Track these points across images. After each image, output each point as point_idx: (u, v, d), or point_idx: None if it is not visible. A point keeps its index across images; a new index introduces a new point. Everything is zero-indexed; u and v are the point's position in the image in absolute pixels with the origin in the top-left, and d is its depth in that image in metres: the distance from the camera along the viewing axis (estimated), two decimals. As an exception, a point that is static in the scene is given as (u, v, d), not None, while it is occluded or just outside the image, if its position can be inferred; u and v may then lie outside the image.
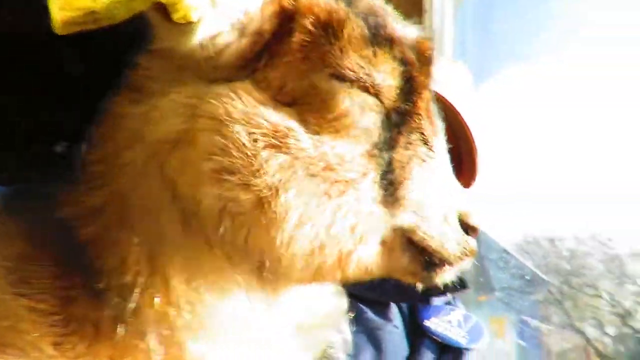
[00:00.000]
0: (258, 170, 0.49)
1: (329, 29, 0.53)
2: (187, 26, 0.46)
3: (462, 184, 0.74)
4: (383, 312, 0.83)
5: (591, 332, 3.22)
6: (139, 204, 0.49)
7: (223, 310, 0.50)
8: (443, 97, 0.84)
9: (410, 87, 0.57)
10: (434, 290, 0.83)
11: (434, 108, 0.60)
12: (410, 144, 0.57)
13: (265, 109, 0.51)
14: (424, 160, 0.57)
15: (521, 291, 3.30)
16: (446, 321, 0.86)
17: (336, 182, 0.51)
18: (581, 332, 3.19)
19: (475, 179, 0.91)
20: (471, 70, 1.13)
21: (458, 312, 0.87)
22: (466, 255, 0.57)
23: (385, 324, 0.81)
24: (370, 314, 0.82)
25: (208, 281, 0.49)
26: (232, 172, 0.48)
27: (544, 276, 3.38)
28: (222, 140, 0.49)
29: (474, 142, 0.87)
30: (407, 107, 0.57)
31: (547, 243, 3.52)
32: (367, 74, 0.53)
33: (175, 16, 0.44)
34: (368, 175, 0.52)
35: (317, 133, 0.51)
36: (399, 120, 0.56)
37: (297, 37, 0.52)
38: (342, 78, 0.52)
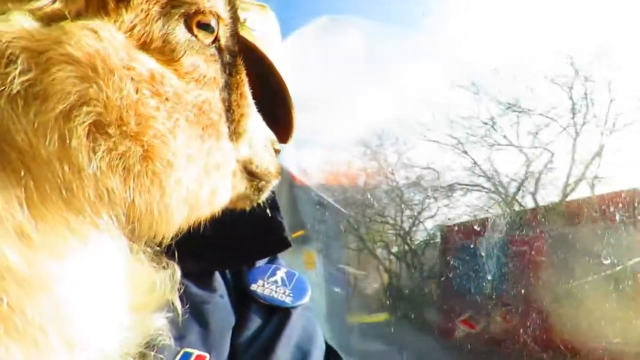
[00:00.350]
0: (146, 120, 0.48)
1: None
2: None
3: (279, 137, 0.86)
4: (207, 283, 0.83)
5: (380, 252, 3.76)
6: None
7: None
8: (257, 48, 0.93)
9: (234, 28, 0.62)
10: (258, 253, 0.91)
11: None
12: (239, 84, 0.63)
13: (135, 53, 0.48)
14: (247, 98, 0.64)
15: (324, 222, 3.64)
16: (272, 282, 0.90)
17: (206, 125, 0.55)
18: (374, 254, 3.70)
19: (292, 133, 1.00)
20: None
21: (282, 271, 0.90)
22: (279, 173, 0.70)
23: (210, 295, 0.80)
24: (194, 287, 0.80)
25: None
26: (117, 125, 0.45)
27: (343, 209, 3.75)
28: (99, 92, 0.44)
29: (289, 95, 0.96)
30: (234, 48, 0.62)
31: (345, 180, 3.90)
32: (213, 1, 0.55)
33: None
34: (222, 117, 0.58)
35: (182, 80, 0.53)
36: (230, 61, 0.62)
37: None
38: (189, 18, 0.53)
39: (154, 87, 0.49)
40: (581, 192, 2.90)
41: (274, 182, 0.71)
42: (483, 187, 3.30)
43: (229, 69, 0.61)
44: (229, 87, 0.61)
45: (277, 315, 0.81)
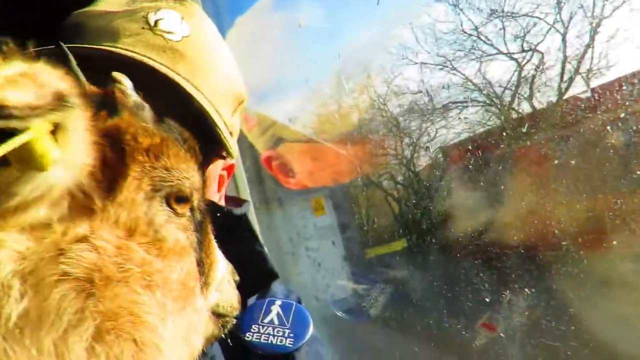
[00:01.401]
0: (140, 317, 0.48)
1: (151, 153, 0.55)
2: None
3: (219, 153, 0.82)
4: None
5: (386, 184, 3.78)
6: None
7: None
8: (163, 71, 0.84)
9: (203, 184, 0.64)
10: (246, 292, 0.80)
11: None
12: (207, 235, 0.64)
13: (129, 245, 0.51)
14: (213, 243, 0.66)
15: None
16: (267, 323, 0.80)
17: (187, 296, 0.55)
18: (380, 187, 3.73)
19: (228, 150, 0.93)
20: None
21: (276, 304, 0.83)
22: (239, 306, 0.67)
23: None
24: None
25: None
26: (110, 332, 0.47)
27: (342, 151, 3.72)
28: (98, 304, 0.47)
29: (209, 114, 0.87)
30: (204, 205, 0.64)
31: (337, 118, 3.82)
32: (191, 176, 0.57)
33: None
34: (197, 279, 0.58)
35: (164, 258, 0.54)
36: (201, 219, 0.60)
37: (132, 171, 0.53)
38: (170, 197, 0.54)
39: (145, 280, 0.48)
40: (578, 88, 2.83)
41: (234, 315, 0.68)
42: (477, 101, 3.23)
43: (199, 226, 0.61)
44: (201, 243, 0.60)
45: None
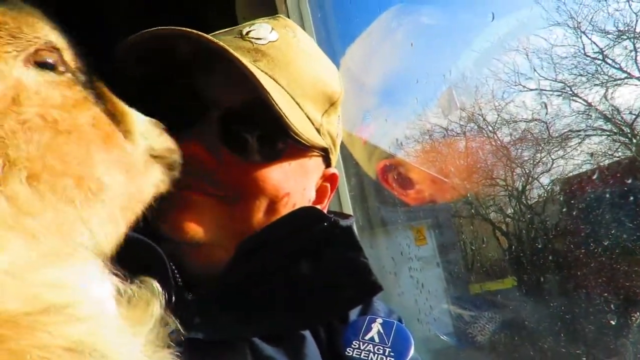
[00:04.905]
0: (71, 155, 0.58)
1: None
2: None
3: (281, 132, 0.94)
4: (295, 351, 0.73)
5: (494, 216, 3.57)
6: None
7: None
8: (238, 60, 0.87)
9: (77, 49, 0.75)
10: (348, 303, 0.81)
11: None
12: (104, 93, 0.74)
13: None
14: (117, 101, 0.76)
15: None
16: (368, 340, 0.78)
17: (110, 139, 0.66)
18: (487, 219, 3.52)
19: (292, 129, 0.94)
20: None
21: (377, 322, 0.81)
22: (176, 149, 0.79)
23: None
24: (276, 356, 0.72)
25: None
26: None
27: (445, 179, 3.61)
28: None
29: (272, 100, 0.91)
30: (83, 67, 0.71)
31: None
32: (37, 37, 0.64)
33: None
34: (111, 124, 0.70)
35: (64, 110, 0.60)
36: (86, 78, 0.70)
37: None
38: None
39: (55, 127, 0.56)
40: None
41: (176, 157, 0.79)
42: (602, 130, 2.94)
43: (90, 83, 0.68)
44: (100, 97, 0.68)
45: None
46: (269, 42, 0.93)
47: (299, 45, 1.00)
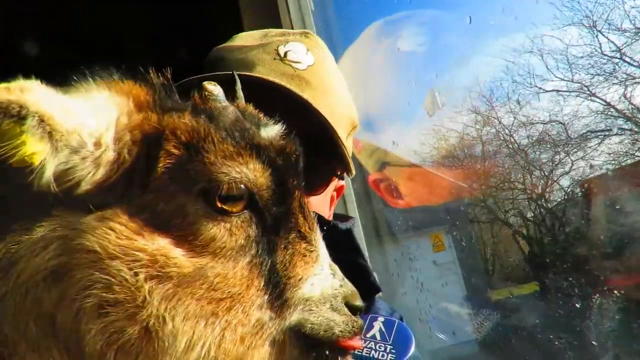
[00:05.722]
0: (143, 302, 0.51)
1: (191, 148, 0.56)
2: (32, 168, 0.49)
3: (339, 171, 0.80)
4: None
5: (514, 220, 3.51)
6: (23, 343, 0.50)
7: None
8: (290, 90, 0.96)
9: (283, 190, 0.61)
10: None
11: (305, 202, 0.64)
12: (290, 243, 0.61)
13: (141, 239, 0.52)
14: (304, 256, 0.61)
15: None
16: (369, 338, 0.81)
17: (221, 300, 0.53)
18: (507, 224, 3.47)
19: (349, 166, 0.93)
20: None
21: (379, 321, 0.84)
22: (354, 333, 0.62)
23: None
24: None
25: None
26: (115, 305, 0.50)
27: (463, 184, 3.58)
28: (102, 276, 0.50)
29: (332, 129, 0.90)
30: (282, 209, 0.61)
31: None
32: (238, 172, 0.56)
33: (14, 162, 0.47)
34: (252, 286, 0.55)
35: (195, 255, 0.54)
36: (274, 223, 0.60)
37: (162, 162, 0.55)
38: (210, 192, 0.55)
39: (153, 269, 0.51)
40: None
41: (349, 343, 0.61)
42: (623, 129, 2.89)
43: (275, 229, 0.59)
44: (272, 248, 0.58)
45: None
46: (308, 66, 0.98)
47: (331, 68, 1.06)
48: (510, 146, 3.48)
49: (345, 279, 0.65)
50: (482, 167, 3.44)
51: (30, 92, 0.49)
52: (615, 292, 2.42)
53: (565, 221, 3.13)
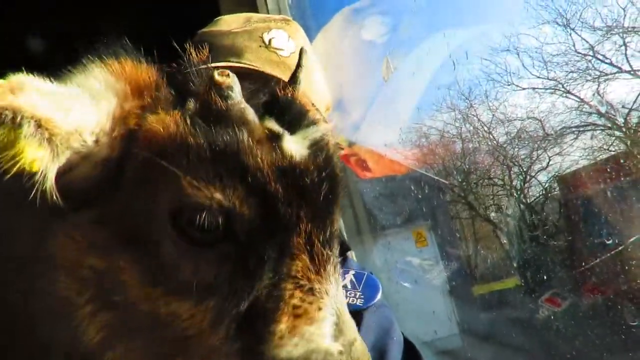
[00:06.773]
0: (80, 323, 0.46)
1: (166, 157, 0.47)
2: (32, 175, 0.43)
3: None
4: None
5: (494, 216, 3.57)
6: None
7: None
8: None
9: (277, 224, 0.49)
10: None
11: (322, 238, 0.52)
12: (279, 290, 0.49)
13: (95, 254, 0.47)
14: (296, 308, 0.50)
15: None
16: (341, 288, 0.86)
17: (173, 342, 0.46)
18: (488, 219, 3.52)
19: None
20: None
21: (350, 274, 0.88)
22: None
23: None
24: None
25: None
26: (58, 319, 0.47)
27: (445, 181, 3.62)
28: (50, 284, 0.48)
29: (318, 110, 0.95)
30: (272, 247, 0.50)
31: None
32: (207, 197, 0.46)
33: (14, 170, 0.42)
34: (213, 333, 0.46)
35: (151, 284, 0.46)
36: (258, 263, 0.49)
37: (131, 167, 0.48)
38: (181, 215, 0.46)
39: (101, 291, 0.46)
40: None
41: None
42: (597, 125, 2.96)
43: (258, 272, 0.49)
44: (252, 294, 0.48)
45: None
46: (291, 53, 1.02)
47: (310, 57, 1.09)
48: (489, 143, 3.54)
49: (357, 345, 0.52)
50: (462, 163, 3.49)
51: (23, 93, 0.42)
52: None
53: (542, 216, 3.20)
